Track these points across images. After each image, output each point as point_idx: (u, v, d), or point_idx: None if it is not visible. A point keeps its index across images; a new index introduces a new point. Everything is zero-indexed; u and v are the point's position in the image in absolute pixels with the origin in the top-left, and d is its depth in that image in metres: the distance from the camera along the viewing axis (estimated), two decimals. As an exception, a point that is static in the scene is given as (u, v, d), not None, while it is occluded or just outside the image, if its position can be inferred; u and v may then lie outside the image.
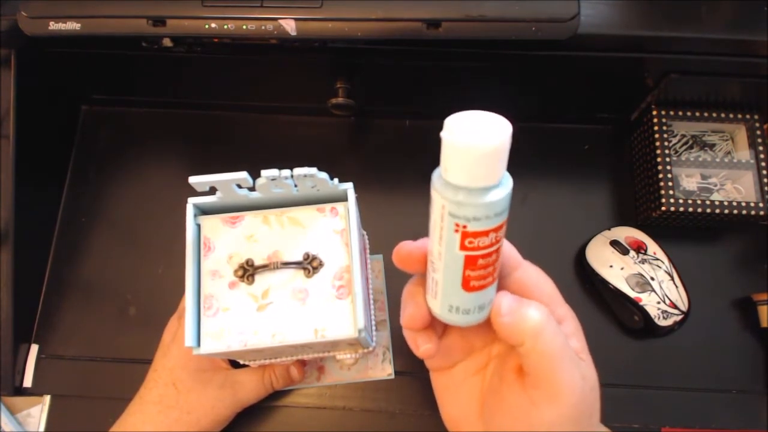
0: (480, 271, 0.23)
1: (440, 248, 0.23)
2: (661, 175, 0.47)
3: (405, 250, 0.26)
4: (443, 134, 0.20)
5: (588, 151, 0.54)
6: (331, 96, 0.45)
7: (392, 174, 0.52)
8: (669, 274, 0.46)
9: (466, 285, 0.23)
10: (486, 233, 0.22)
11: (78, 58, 0.48)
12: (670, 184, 0.46)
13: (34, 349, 0.47)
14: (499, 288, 0.26)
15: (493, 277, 0.24)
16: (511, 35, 0.37)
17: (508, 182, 0.21)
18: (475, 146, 0.19)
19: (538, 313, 0.24)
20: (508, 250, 0.27)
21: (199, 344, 0.30)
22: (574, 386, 0.24)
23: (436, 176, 0.22)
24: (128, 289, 0.49)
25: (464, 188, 0.20)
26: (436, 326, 0.28)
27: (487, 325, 0.26)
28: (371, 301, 0.40)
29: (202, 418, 0.38)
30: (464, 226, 0.21)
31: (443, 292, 0.25)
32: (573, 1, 0.37)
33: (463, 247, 0.22)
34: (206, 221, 0.33)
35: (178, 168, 0.53)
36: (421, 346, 0.27)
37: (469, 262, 0.23)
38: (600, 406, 0.27)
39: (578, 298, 0.49)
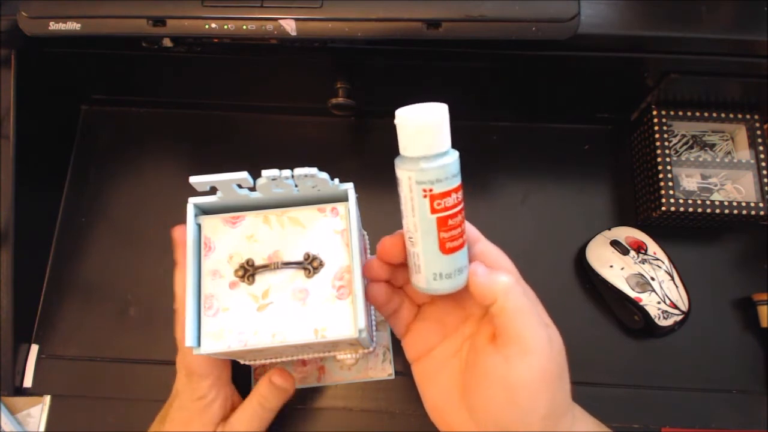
0: (452, 231, 0.27)
1: (415, 219, 0.27)
2: (661, 175, 0.47)
3: (387, 241, 0.30)
4: (397, 121, 0.26)
5: (588, 151, 0.54)
6: (331, 96, 0.45)
7: (392, 174, 0.52)
8: (669, 274, 0.46)
9: (443, 247, 0.27)
10: (449, 193, 0.27)
11: (78, 58, 0.48)
12: (670, 184, 0.46)
13: (34, 349, 0.47)
14: None
15: (463, 239, 0.28)
16: (511, 35, 0.37)
17: (455, 152, 0.27)
18: (426, 120, 0.26)
19: (508, 277, 0.28)
20: (468, 225, 0.31)
21: (199, 344, 0.30)
22: (542, 342, 0.27)
23: (399, 160, 0.27)
24: (128, 289, 0.49)
25: (423, 157, 0.26)
26: (405, 305, 0.33)
27: (457, 304, 0.31)
28: (371, 301, 0.40)
29: None
30: (430, 190, 0.26)
31: (425, 262, 0.28)
32: (573, 1, 0.37)
33: (433, 210, 0.27)
34: (207, 221, 0.33)
35: (178, 168, 0.53)
36: (372, 266, 0.31)
37: (441, 224, 0.27)
38: (569, 376, 0.29)
39: (578, 298, 0.49)
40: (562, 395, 0.29)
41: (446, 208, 0.27)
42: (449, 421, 0.31)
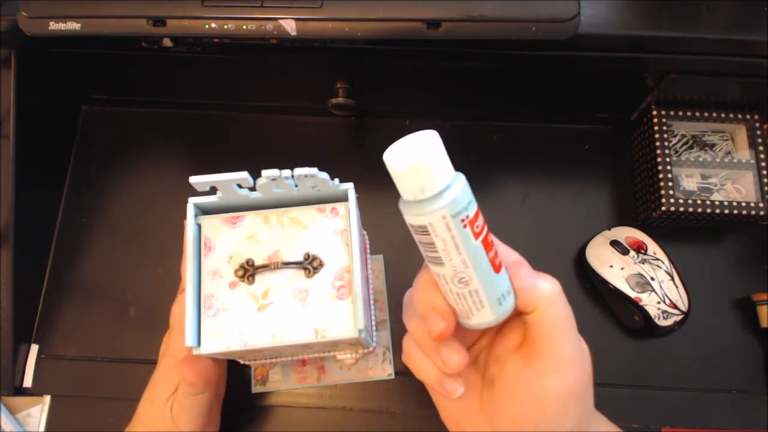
0: (493, 249, 0.25)
1: (462, 257, 0.24)
2: (661, 175, 0.47)
3: (439, 316, 0.26)
4: (401, 166, 0.22)
5: (588, 151, 0.54)
6: (331, 96, 0.45)
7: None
8: (669, 274, 0.46)
9: (494, 265, 0.25)
10: (479, 213, 0.24)
11: (78, 58, 0.48)
12: (670, 184, 0.46)
13: (34, 349, 0.47)
14: None
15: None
16: (511, 35, 0.37)
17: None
18: (435, 151, 0.22)
19: (552, 283, 0.26)
20: None
21: (199, 344, 0.30)
22: (577, 356, 0.26)
23: (414, 206, 0.23)
24: (128, 289, 0.49)
25: (446, 187, 0.23)
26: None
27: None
28: (371, 302, 0.40)
29: None
30: (467, 216, 0.23)
31: (486, 291, 0.25)
32: (573, 1, 0.37)
33: (476, 236, 0.24)
34: (207, 221, 0.33)
35: (178, 168, 0.53)
36: (453, 360, 0.26)
37: (486, 245, 0.25)
38: (593, 386, 0.28)
39: (578, 298, 0.48)
40: (590, 404, 0.28)
41: (482, 228, 0.24)
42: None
